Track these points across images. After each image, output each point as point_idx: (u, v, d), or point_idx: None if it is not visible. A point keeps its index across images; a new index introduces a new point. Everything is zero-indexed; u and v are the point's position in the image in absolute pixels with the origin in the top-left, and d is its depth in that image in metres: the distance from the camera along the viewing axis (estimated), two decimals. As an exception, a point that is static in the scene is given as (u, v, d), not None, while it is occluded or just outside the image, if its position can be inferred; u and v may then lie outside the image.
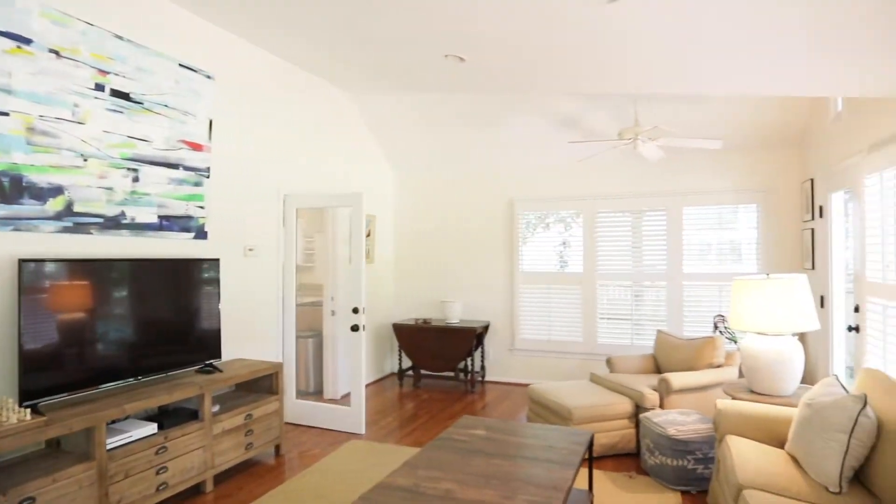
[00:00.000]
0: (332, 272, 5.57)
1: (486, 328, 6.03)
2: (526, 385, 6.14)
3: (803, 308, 3.34)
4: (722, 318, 5.30)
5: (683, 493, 3.42)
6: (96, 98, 3.24)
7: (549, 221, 6.25)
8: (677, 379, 4.02)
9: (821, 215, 4.56)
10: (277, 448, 4.13)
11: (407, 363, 6.68)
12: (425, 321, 6.12)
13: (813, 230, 4.75)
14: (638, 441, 4.05)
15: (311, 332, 5.80)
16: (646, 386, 4.18)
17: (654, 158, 4.94)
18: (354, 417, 4.61)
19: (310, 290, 6.04)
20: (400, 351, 6.28)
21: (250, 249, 4.43)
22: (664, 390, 4.03)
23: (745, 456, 2.78)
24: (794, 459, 2.79)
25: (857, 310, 3.79)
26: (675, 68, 3.43)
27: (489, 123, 5.72)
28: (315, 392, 5.68)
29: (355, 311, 4.58)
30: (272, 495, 3.39)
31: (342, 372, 5.74)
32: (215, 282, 3.87)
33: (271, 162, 4.65)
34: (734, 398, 3.52)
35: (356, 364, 4.62)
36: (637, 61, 3.36)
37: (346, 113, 5.69)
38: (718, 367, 4.24)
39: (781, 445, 3.02)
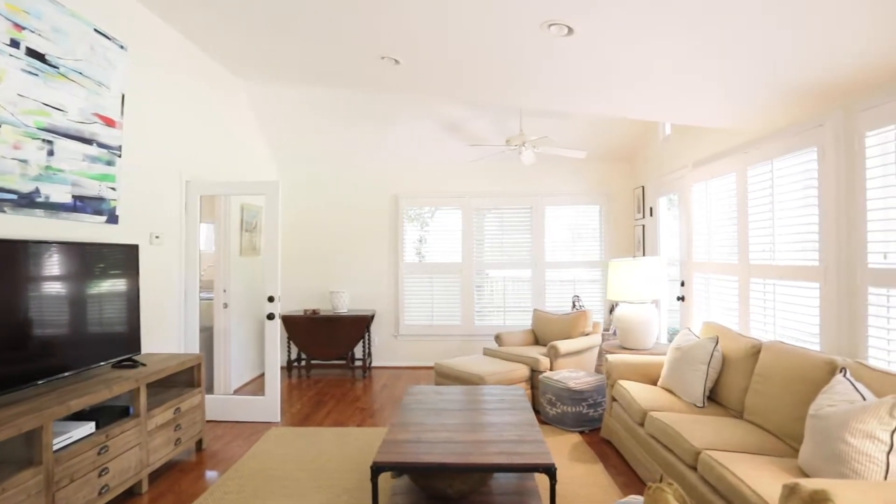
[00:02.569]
0: (225, 263, 5.32)
1: (372, 317, 6.30)
2: (411, 368, 6.58)
3: (658, 282, 4.40)
4: (577, 297, 6.41)
5: (581, 432, 4.22)
6: (11, 56, 2.82)
7: (431, 216, 6.77)
8: (563, 345, 4.86)
9: (651, 215, 5.87)
10: (199, 443, 3.93)
11: (295, 355, 6.60)
12: (314, 312, 6.16)
13: (644, 226, 6.07)
14: (534, 398, 4.80)
15: (201, 327, 5.44)
16: (537, 353, 4.96)
17: (528, 163, 5.80)
18: (270, 406, 4.55)
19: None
20: (289, 342, 6.21)
21: (157, 237, 4.10)
22: (553, 355, 4.84)
23: (638, 393, 3.64)
24: (668, 390, 3.73)
25: (682, 284, 5.05)
26: (596, 93, 4.13)
27: (379, 121, 6.02)
28: (206, 388, 5.36)
29: (271, 299, 4.53)
30: (223, 487, 3.31)
31: (235, 367, 5.52)
32: (134, 270, 3.57)
33: (174, 145, 4.34)
34: (614, 353, 4.45)
35: (271, 352, 4.57)
36: (568, 83, 3.94)
37: (239, 102, 5.47)
38: (588, 334, 5.21)
39: (654, 383, 3.97)
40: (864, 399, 2.30)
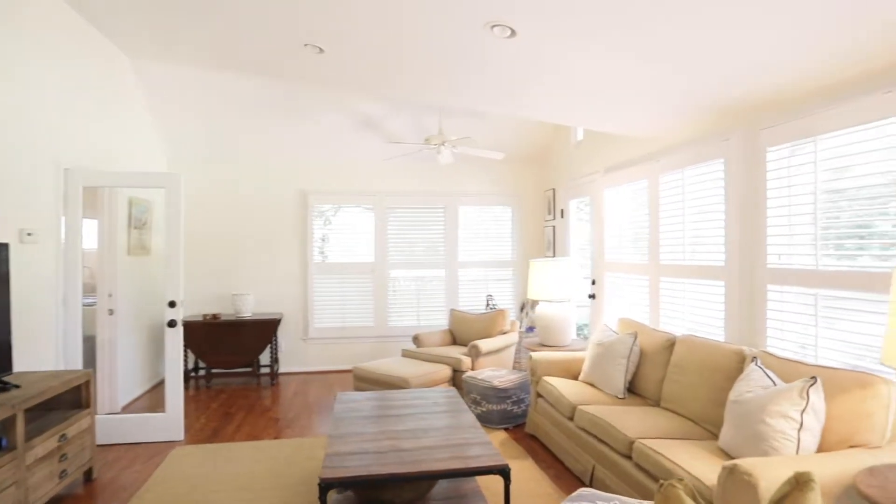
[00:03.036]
0: (110, 264, 4.73)
1: (279, 320, 5.95)
2: (322, 373, 6.31)
3: (576, 281, 4.62)
4: (491, 296, 6.55)
5: (505, 429, 4.31)
6: None
7: (341, 214, 6.54)
8: (484, 344, 4.93)
9: (562, 216, 6.16)
10: (89, 473, 3.44)
11: (192, 364, 6.03)
12: (215, 316, 5.68)
13: (554, 227, 6.35)
14: (455, 400, 4.82)
15: (83, 337, 4.78)
16: (458, 353, 4.99)
17: (444, 163, 5.82)
18: (172, 423, 4.12)
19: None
20: (185, 351, 5.66)
21: (29, 234, 3.52)
22: (474, 354, 4.90)
23: (564, 388, 3.78)
24: (590, 384, 3.92)
25: (594, 283, 5.35)
26: (527, 98, 4.18)
27: (290, 114, 5.71)
28: (85, 409, 4.72)
29: (172, 304, 4.09)
30: (125, 516, 2.92)
31: (122, 381, 4.92)
32: (2, 274, 3.03)
33: (51, 127, 3.76)
34: (536, 351, 4.60)
35: (174, 362, 4.13)
36: (501, 86, 3.93)
37: (128, 83, 4.87)
38: (506, 333, 5.34)
39: (575, 378, 4.16)
40: (775, 384, 2.58)
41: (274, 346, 5.89)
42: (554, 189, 6.38)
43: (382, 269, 6.46)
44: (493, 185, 6.78)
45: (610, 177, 5.01)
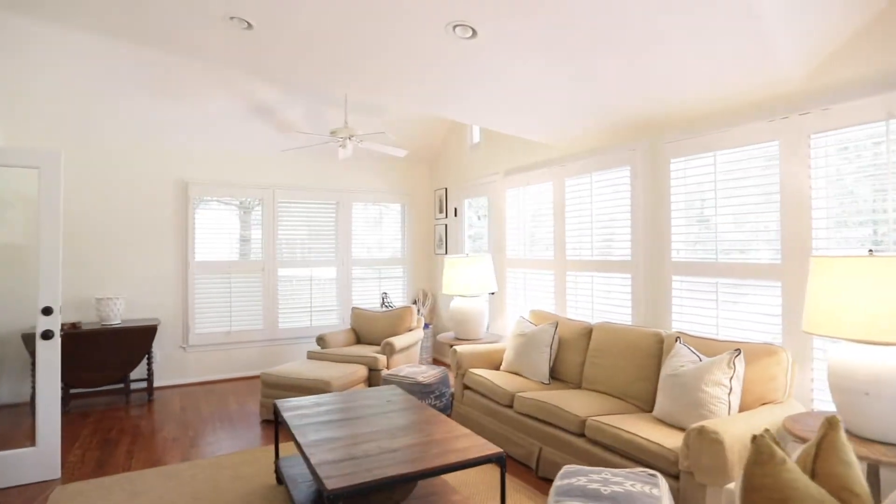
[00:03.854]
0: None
1: (156, 327, 5.22)
2: (206, 383, 5.68)
3: (489, 276, 4.86)
4: (385, 293, 6.51)
5: (431, 424, 4.37)
6: None
7: (229, 208, 5.96)
8: (398, 342, 4.92)
9: (455, 215, 6.38)
10: (-50, 527, 2.72)
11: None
12: (73, 326, 4.79)
13: (446, 225, 6.55)
14: (372, 399, 4.73)
15: None
16: (372, 352, 4.91)
17: (343, 157, 5.66)
18: (46, 459, 3.40)
19: None
20: (34, 372, 4.66)
21: None
22: (389, 352, 4.86)
23: (495, 378, 3.98)
24: (515, 373, 4.18)
25: (493, 278, 5.65)
26: (460, 100, 4.23)
27: (172, 91, 5.05)
28: None
29: (47, 311, 3.38)
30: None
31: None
32: None
33: None
34: (454, 345, 4.73)
35: (48, 383, 3.42)
36: (443, 84, 3.93)
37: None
38: (412, 329, 5.38)
39: (496, 368, 4.39)
40: (700, 359, 3.06)
41: (149, 358, 5.15)
42: (446, 188, 6.58)
43: (272, 267, 6.03)
44: (385, 183, 6.76)
45: (511, 179, 5.35)
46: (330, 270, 6.38)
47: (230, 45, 3.70)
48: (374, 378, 4.74)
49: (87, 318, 5.21)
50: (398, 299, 6.75)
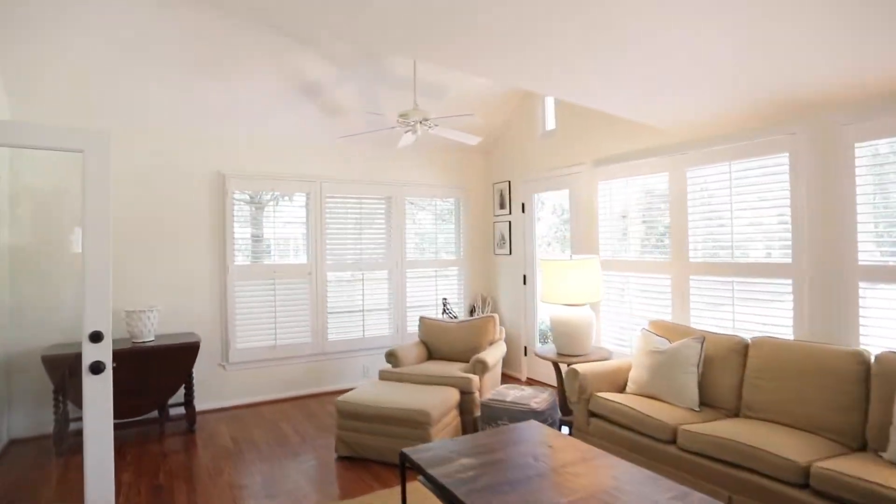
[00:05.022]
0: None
1: (199, 344, 4.37)
2: (247, 406, 4.85)
3: (596, 282, 4.18)
4: (446, 299, 5.77)
5: (545, 458, 3.67)
6: None
7: (270, 204, 5.13)
8: (489, 358, 4.20)
9: (522, 211, 5.67)
10: None
11: (62, 412, 4.12)
12: (98, 345, 3.93)
13: (510, 223, 5.84)
14: (464, 425, 4.00)
15: None
16: (458, 370, 4.18)
17: (404, 145, 4.91)
18: (99, 524, 2.59)
19: None
20: (57, 398, 3.80)
21: None
22: (481, 371, 4.14)
23: (636, 405, 3.30)
24: (653, 398, 3.50)
25: (578, 282, 4.98)
26: (577, 72, 3.52)
27: (206, 69, 4.22)
28: None
29: (97, 337, 2.56)
30: None
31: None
32: None
33: None
34: (563, 362, 4.05)
35: (100, 429, 2.61)
36: (548, 52, 3.23)
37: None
38: (494, 342, 4.66)
39: (621, 391, 3.71)
40: (950, 389, 2.44)
41: (189, 381, 4.32)
42: (509, 181, 5.87)
43: (320, 271, 5.23)
44: (438, 176, 6.01)
45: (604, 170, 4.68)
46: (381, 274, 5.60)
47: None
48: (465, 403, 4.01)
49: (115, 333, 4.33)
50: (454, 305, 6.01)
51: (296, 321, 5.12)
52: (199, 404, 4.66)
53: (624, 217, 4.58)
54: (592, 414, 3.57)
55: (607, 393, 3.56)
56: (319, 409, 4.78)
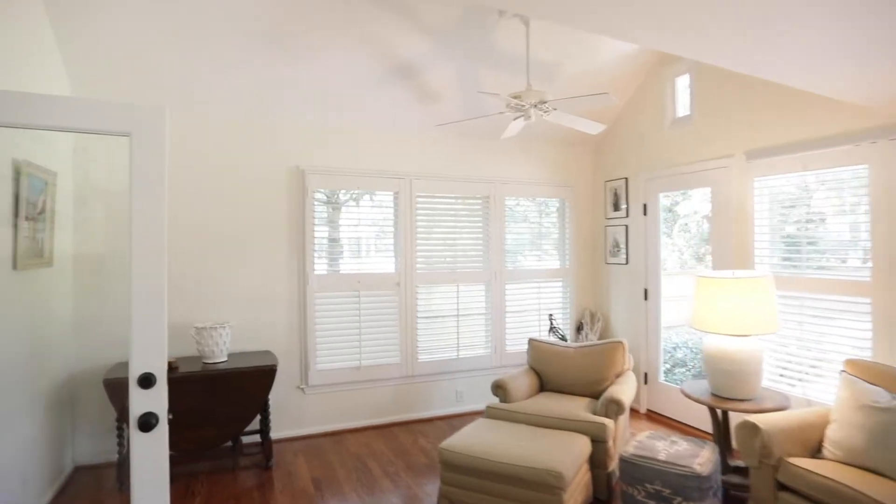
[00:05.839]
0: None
1: (275, 367, 3.74)
2: (330, 434, 4.19)
3: (771, 308, 3.14)
4: (552, 316, 4.89)
5: (714, 542, 2.71)
6: None
7: (354, 204, 4.46)
8: (625, 396, 3.28)
9: (644, 213, 4.68)
10: None
11: (120, 440, 3.62)
12: (170, 366, 3.36)
13: (627, 226, 4.86)
14: (596, 483, 3.11)
15: None
16: (582, 410, 3.29)
17: (510, 135, 4.07)
18: None
19: None
20: (121, 429, 3.27)
21: None
22: (615, 414, 3.23)
23: (862, 486, 2.28)
24: (870, 470, 2.47)
25: (723, 301, 3.94)
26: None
27: (283, 52, 3.56)
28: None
29: (146, 382, 1.89)
30: None
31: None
32: None
33: None
34: (716, 407, 3.07)
35: (153, 498, 1.94)
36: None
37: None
38: (622, 374, 3.73)
39: (813, 454, 2.70)
40: None
41: (265, 409, 3.68)
42: (626, 179, 4.88)
43: (409, 282, 4.49)
44: (540, 172, 5.11)
45: (762, 163, 3.62)
46: (477, 286, 4.79)
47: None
48: (597, 453, 3.11)
49: (184, 351, 3.77)
50: (558, 322, 5.09)
51: (382, 339, 4.39)
52: (276, 431, 4.03)
53: (793, 223, 3.50)
54: (783, 487, 2.57)
55: (803, 460, 2.55)
56: (410, 443, 4.03)
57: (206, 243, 3.90)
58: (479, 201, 4.82)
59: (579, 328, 5.10)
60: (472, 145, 4.81)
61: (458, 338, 4.68)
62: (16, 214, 2.56)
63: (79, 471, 3.53)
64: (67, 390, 3.46)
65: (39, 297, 2.94)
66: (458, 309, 4.67)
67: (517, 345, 4.89)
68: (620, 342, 3.71)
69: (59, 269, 3.20)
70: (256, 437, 3.84)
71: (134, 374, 1.90)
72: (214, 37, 3.35)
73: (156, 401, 1.91)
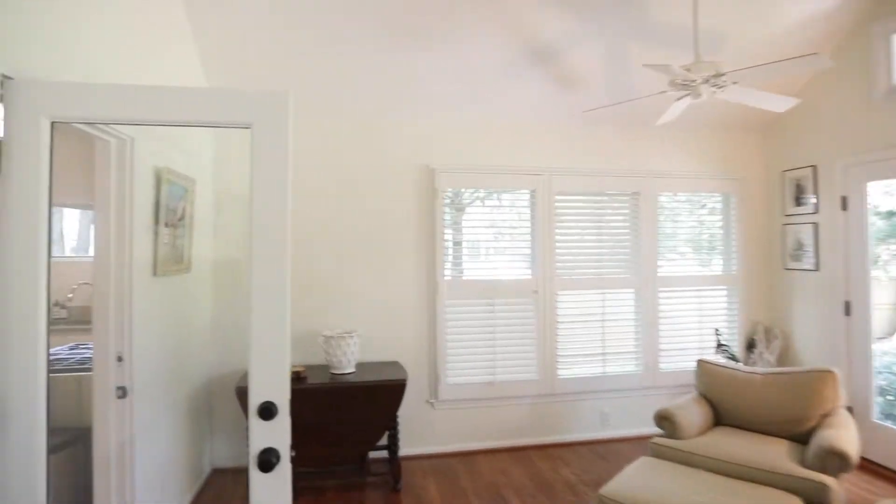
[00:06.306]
0: (119, 295, 2.24)
1: (405, 382, 3.42)
2: (460, 455, 3.80)
3: None
4: (718, 331, 4.08)
5: None
6: None
7: (487, 203, 4.05)
8: (850, 446, 2.46)
9: (843, 208, 3.68)
10: None
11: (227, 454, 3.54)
12: (298, 375, 3.18)
13: (816, 224, 3.88)
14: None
15: (61, 426, 2.35)
16: (786, 460, 2.52)
17: (668, 119, 3.36)
18: None
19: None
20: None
21: None
22: (835, 468, 2.42)
23: None
24: None
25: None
26: None
27: (412, 40, 3.21)
28: None
29: (268, 412, 1.59)
30: None
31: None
32: None
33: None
34: None
35: (275, 554, 1.64)
36: None
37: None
38: (830, 413, 2.86)
39: None
40: None
41: (394, 426, 3.38)
42: (814, 167, 3.90)
43: (548, 289, 3.96)
44: (700, 164, 4.29)
45: None
46: (625, 293, 4.11)
47: None
48: (811, 524, 2.33)
49: (311, 359, 3.59)
50: (727, 339, 4.21)
51: (518, 352, 3.90)
52: (403, 447, 3.70)
53: None
54: None
55: None
56: (550, 473, 3.49)
57: (331, 246, 3.70)
58: (628, 198, 4.13)
59: (750, 346, 4.18)
60: (620, 135, 4.14)
61: (603, 353, 4.04)
62: (156, 221, 2.47)
63: (216, 473, 3.50)
64: (206, 394, 3.43)
65: (179, 303, 2.88)
66: (603, 320, 4.03)
67: (673, 362, 4.13)
68: (830, 372, 2.84)
69: (198, 274, 3.16)
70: (383, 453, 3.55)
71: (253, 403, 1.60)
72: (343, 26, 3.10)
73: (277, 435, 1.60)
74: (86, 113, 1.56)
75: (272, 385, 1.61)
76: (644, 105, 3.85)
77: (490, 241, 4.02)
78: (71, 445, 2.49)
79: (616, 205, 4.13)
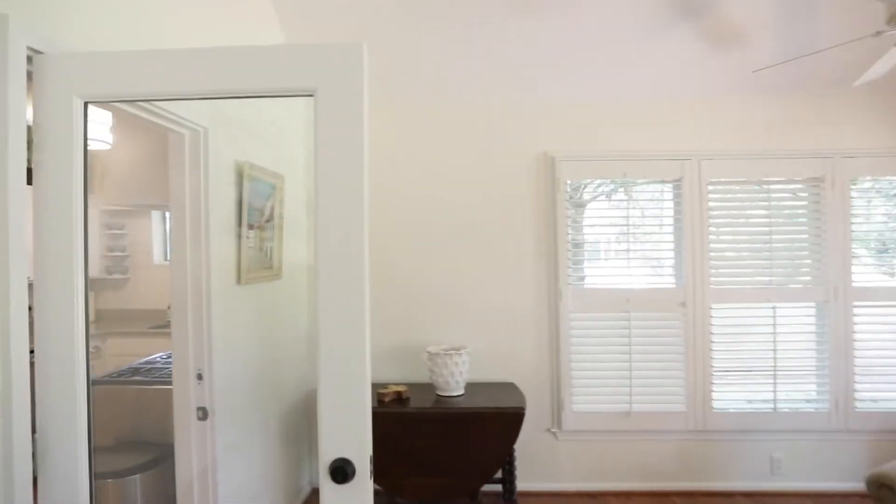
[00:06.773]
0: (197, 305, 1.95)
1: (523, 411, 2.86)
2: (582, 495, 3.16)
3: None
4: (948, 363, 3.02)
5: None
6: None
7: (601, 198, 3.37)
8: None
9: None
10: None
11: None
12: (398, 396, 2.76)
13: None
14: None
15: (141, 450, 2.12)
16: None
17: (879, 74, 2.43)
18: None
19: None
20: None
21: None
22: None
23: None
24: None
25: None
26: None
27: (524, 7, 2.64)
28: None
29: (341, 476, 1.14)
30: None
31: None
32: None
33: None
34: None
35: None
36: None
37: None
38: None
39: None
40: None
41: (510, 458, 2.84)
42: None
43: (700, 301, 3.16)
44: (882, 136, 3.21)
45: None
46: (803, 307, 3.17)
47: None
48: None
49: (414, 376, 3.15)
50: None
51: (662, 378, 3.14)
52: (520, 481, 3.13)
53: None
54: None
55: None
56: (706, 534, 2.72)
57: (434, 250, 3.24)
58: (807, 186, 3.18)
59: None
60: (796, 105, 3.20)
61: (774, 382, 3.13)
62: (239, 222, 2.18)
63: (316, 493, 3.21)
64: (304, 410, 3.15)
65: (268, 313, 2.60)
66: (774, 342, 3.13)
67: (874, 400, 3.10)
68: None
69: (290, 281, 2.87)
70: (497, 487, 3.01)
71: (324, 461, 1.16)
72: (447, 13, 2.63)
73: (356, 485, 1.15)
74: (118, 89, 1.22)
75: (347, 437, 1.16)
76: (832, 61, 2.91)
77: (618, 243, 3.31)
78: (161, 463, 2.29)
79: (789, 195, 3.20)
